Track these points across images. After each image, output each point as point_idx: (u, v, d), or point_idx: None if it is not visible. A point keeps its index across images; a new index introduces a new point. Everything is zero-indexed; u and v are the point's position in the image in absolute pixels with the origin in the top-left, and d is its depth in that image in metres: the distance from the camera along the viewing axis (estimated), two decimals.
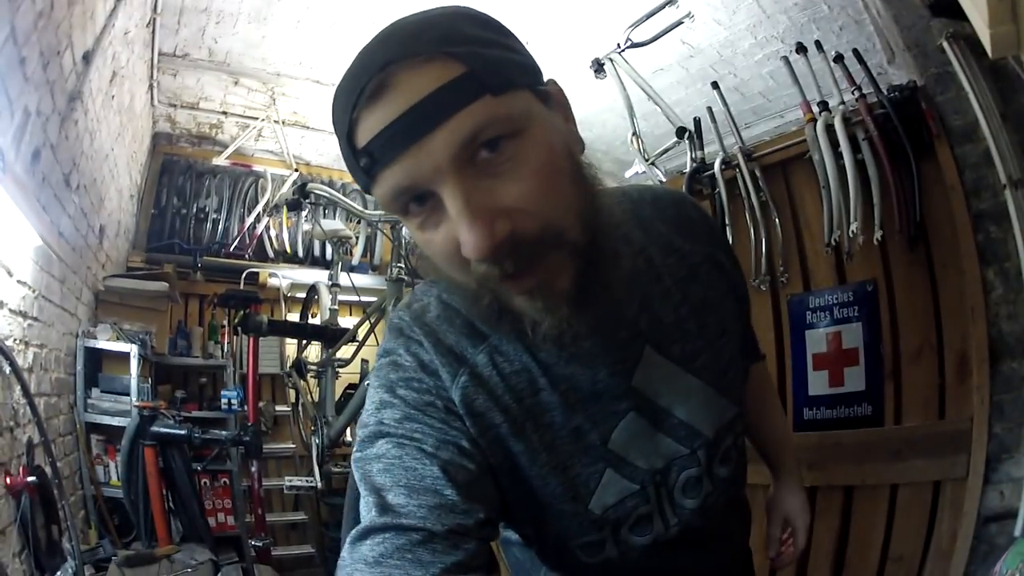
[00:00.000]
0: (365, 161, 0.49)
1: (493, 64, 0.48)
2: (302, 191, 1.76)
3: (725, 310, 0.69)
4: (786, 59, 2.18)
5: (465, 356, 0.59)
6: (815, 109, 1.86)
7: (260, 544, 2.66)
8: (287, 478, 2.23)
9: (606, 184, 0.58)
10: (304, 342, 2.79)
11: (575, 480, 0.62)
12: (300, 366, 2.60)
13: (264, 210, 4.45)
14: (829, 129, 1.78)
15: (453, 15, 0.53)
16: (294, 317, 3.78)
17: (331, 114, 0.53)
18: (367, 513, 0.52)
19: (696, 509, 0.66)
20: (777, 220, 1.91)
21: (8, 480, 1.70)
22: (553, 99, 0.55)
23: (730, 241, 1.99)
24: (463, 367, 0.58)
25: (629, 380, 0.61)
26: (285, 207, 1.81)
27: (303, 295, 3.12)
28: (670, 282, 0.64)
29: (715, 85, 2.31)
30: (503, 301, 0.53)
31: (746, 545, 0.85)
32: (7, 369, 1.76)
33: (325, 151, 4.68)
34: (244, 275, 4.39)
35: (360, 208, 1.95)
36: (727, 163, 2.02)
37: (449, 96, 0.46)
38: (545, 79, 0.55)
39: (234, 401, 3.88)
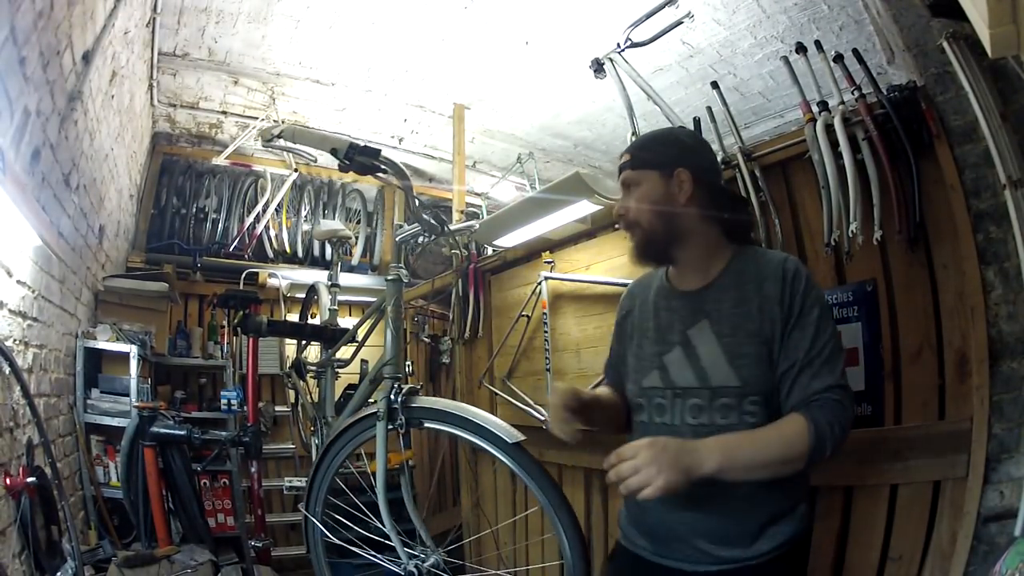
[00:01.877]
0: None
1: (636, 156, 1.26)
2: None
3: (760, 326, 1.13)
4: (786, 59, 2.18)
5: (632, 291, 1.37)
6: (815, 109, 1.86)
7: (260, 544, 2.66)
8: (287, 478, 2.23)
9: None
10: (304, 342, 2.78)
11: (640, 365, 1.26)
12: (300, 366, 2.60)
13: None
14: (829, 129, 1.77)
15: (654, 132, 1.39)
16: (294, 317, 3.78)
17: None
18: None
19: (693, 426, 1.15)
20: (777, 220, 1.91)
21: (8, 480, 1.70)
22: (677, 179, 1.21)
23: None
24: (627, 296, 1.38)
25: (686, 331, 1.20)
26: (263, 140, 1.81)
27: (303, 295, 3.11)
28: (740, 295, 1.17)
29: (715, 85, 2.30)
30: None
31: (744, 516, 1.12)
32: (7, 369, 1.76)
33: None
34: (244, 275, 4.39)
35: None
36: (727, 163, 2.02)
37: (619, 168, 1.28)
38: (682, 167, 1.21)
39: (234, 401, 3.88)
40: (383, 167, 1.42)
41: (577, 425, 1.16)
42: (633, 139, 1.42)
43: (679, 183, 1.20)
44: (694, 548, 1.13)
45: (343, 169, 1.42)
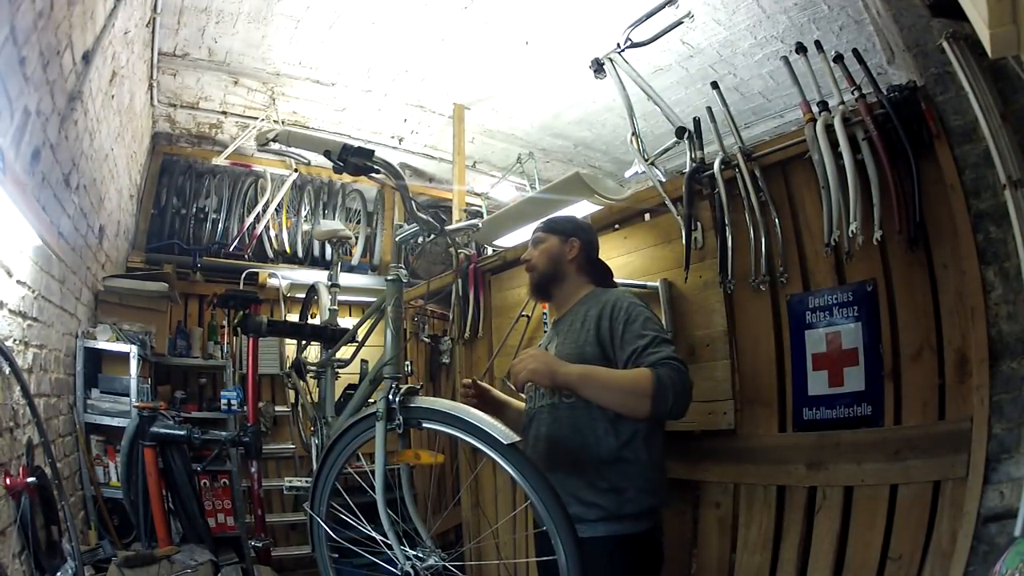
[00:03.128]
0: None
1: (548, 226, 1.86)
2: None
3: (580, 339, 1.61)
4: (786, 59, 2.18)
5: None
6: (815, 109, 1.86)
7: (260, 545, 2.65)
8: (287, 479, 2.23)
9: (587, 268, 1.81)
10: (304, 342, 2.78)
11: None
12: (299, 366, 2.60)
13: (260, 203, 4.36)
14: (829, 129, 1.78)
15: (562, 215, 2.10)
16: (294, 317, 3.77)
17: None
18: None
19: (542, 406, 1.65)
20: (777, 220, 1.91)
21: (8, 481, 1.70)
22: (570, 243, 1.79)
23: (729, 243, 2.00)
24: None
25: (548, 345, 1.73)
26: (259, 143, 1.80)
27: (303, 295, 3.11)
28: (574, 319, 1.68)
29: (715, 85, 2.30)
30: None
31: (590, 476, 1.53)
32: (7, 369, 1.76)
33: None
34: (244, 275, 4.39)
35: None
36: (727, 163, 2.02)
37: (535, 230, 1.87)
38: (574, 237, 1.80)
39: (234, 402, 3.88)
40: (377, 168, 1.42)
41: (472, 401, 1.71)
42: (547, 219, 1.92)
43: (570, 247, 1.77)
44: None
45: (337, 171, 1.42)
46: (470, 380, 1.81)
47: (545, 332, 2.62)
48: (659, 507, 1.60)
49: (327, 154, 1.39)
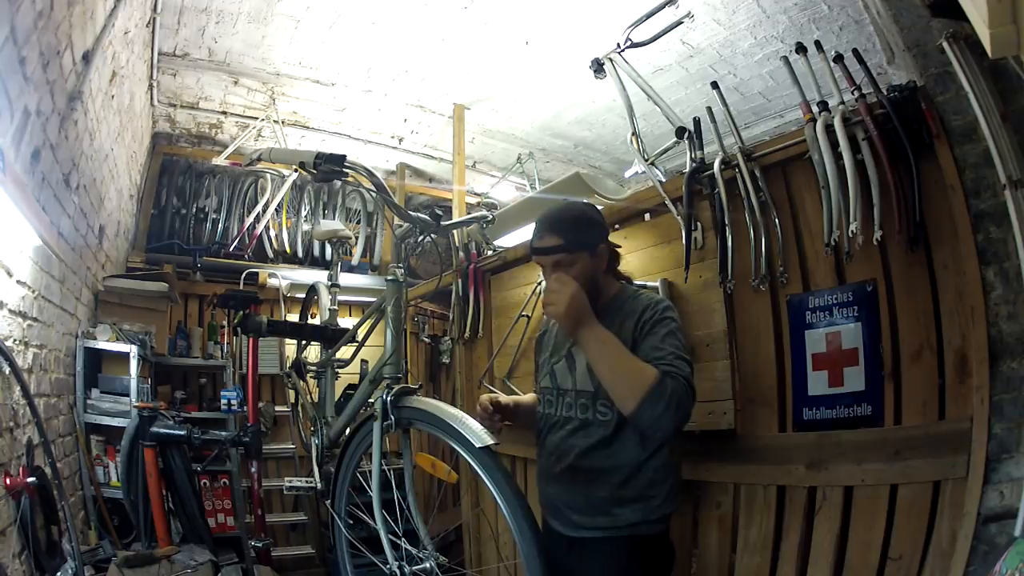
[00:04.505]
0: (533, 254, 1.59)
1: (570, 240, 1.51)
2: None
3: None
4: (786, 59, 2.18)
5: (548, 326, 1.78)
6: (815, 109, 1.86)
7: (260, 545, 2.66)
8: (287, 479, 2.23)
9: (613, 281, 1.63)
10: (304, 342, 2.78)
11: (540, 370, 1.70)
12: (299, 366, 2.60)
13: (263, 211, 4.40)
14: (829, 129, 1.77)
15: (568, 210, 1.61)
16: (293, 317, 3.77)
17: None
18: None
19: (566, 417, 1.55)
20: (777, 220, 1.91)
21: (8, 481, 1.70)
22: (599, 253, 1.55)
23: (728, 242, 2.00)
24: (545, 321, 1.82)
25: (571, 347, 1.58)
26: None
27: (303, 295, 3.11)
28: (608, 326, 1.43)
29: (715, 85, 2.30)
30: None
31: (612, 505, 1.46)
32: (7, 369, 1.76)
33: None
34: (244, 275, 4.39)
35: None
36: (727, 163, 2.02)
37: (551, 249, 1.52)
38: (602, 243, 1.57)
39: (234, 402, 3.89)
40: (348, 171, 1.42)
41: (499, 424, 1.62)
42: (549, 217, 1.57)
43: (600, 257, 1.55)
44: (565, 516, 1.51)
45: (315, 179, 1.43)
46: (488, 407, 1.61)
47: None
48: (676, 511, 1.58)
49: (302, 165, 1.41)
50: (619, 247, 1.68)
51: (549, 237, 1.51)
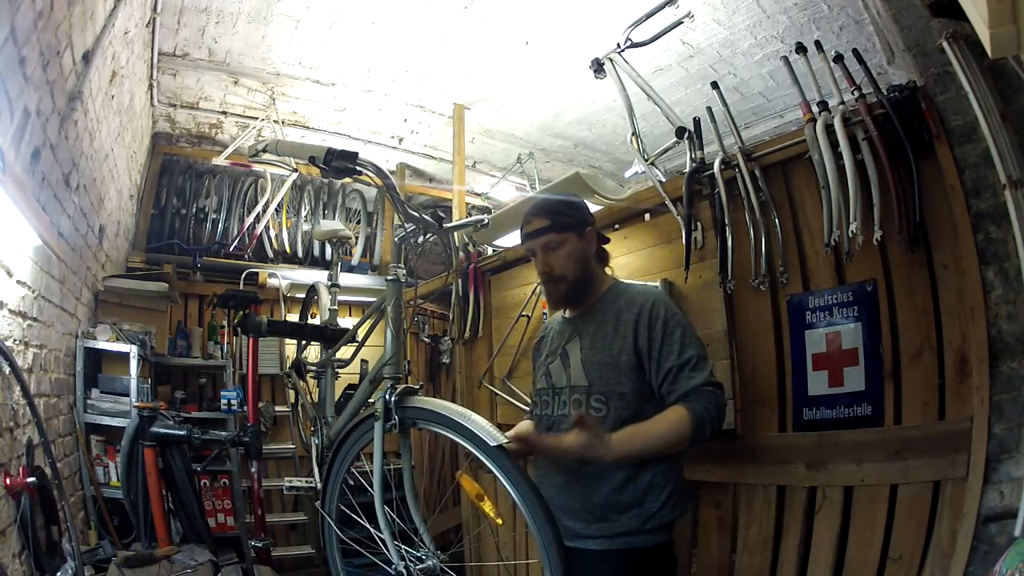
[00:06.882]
0: (523, 241, 1.62)
1: (557, 221, 1.55)
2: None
3: (618, 346, 1.49)
4: (786, 59, 2.18)
5: (546, 323, 1.80)
6: (815, 109, 1.86)
7: (260, 545, 2.65)
8: (287, 479, 2.23)
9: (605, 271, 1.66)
10: (304, 342, 2.78)
11: (536, 373, 1.70)
12: (300, 366, 2.60)
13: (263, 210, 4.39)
14: (829, 129, 1.78)
15: (554, 197, 1.69)
16: (294, 317, 3.77)
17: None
18: None
19: (564, 414, 1.53)
20: (777, 220, 1.91)
21: (8, 480, 1.70)
22: (587, 236, 1.57)
23: (729, 246, 2.00)
24: (543, 328, 1.80)
25: (564, 345, 1.59)
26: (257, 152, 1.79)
27: (303, 295, 3.11)
28: (603, 319, 1.53)
29: (715, 85, 2.30)
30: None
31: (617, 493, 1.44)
32: (7, 369, 1.76)
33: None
34: (244, 275, 4.39)
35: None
36: (727, 163, 2.02)
37: (540, 231, 1.56)
38: (589, 227, 1.59)
39: (234, 402, 3.88)
40: (360, 169, 1.42)
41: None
42: (536, 204, 1.62)
43: (589, 240, 1.57)
44: (562, 523, 1.40)
45: (325, 175, 1.43)
46: (516, 443, 1.43)
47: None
48: (679, 518, 1.52)
49: (312, 160, 1.40)
50: (608, 240, 1.71)
51: (537, 220, 1.57)
